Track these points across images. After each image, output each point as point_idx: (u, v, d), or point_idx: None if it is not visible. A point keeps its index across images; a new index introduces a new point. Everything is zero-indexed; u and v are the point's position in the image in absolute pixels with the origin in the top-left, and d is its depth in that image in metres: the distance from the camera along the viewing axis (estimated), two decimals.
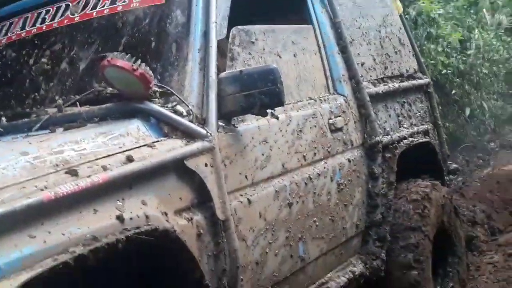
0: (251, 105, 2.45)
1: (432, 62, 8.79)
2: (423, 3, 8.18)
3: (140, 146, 2.13)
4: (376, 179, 3.44)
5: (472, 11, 10.80)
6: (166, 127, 2.29)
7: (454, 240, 4.00)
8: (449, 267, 3.95)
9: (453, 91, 9.90)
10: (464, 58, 9.96)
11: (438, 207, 3.73)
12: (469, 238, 5.67)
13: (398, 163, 3.58)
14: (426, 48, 8.68)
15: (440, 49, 9.03)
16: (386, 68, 3.86)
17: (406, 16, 7.54)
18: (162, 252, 2.07)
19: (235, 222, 2.41)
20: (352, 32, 3.61)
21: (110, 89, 2.38)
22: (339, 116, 3.25)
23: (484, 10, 10.97)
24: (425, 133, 4.04)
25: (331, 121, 3.16)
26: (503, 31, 12.10)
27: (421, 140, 3.92)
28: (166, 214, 2.07)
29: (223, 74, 2.51)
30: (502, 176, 8.04)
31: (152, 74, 2.27)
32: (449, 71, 9.46)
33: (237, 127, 2.56)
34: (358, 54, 3.59)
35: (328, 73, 3.32)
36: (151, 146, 2.15)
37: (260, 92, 2.43)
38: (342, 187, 3.18)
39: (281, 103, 2.51)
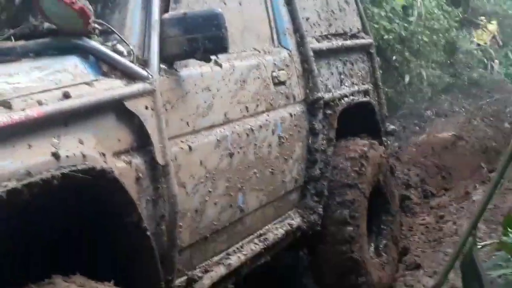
0: (194, 49, 2.40)
1: (375, 26, 8.84)
2: None
3: (78, 84, 2.04)
4: (316, 135, 3.46)
5: None
6: (105, 66, 2.20)
7: (388, 199, 4.10)
8: (383, 225, 4.05)
9: (394, 57, 10.01)
10: (406, 25, 10.07)
11: (375, 165, 3.80)
12: (403, 198, 5.86)
13: (339, 121, 3.61)
14: (370, 12, 8.70)
15: (383, 13, 9.10)
16: (330, 25, 3.86)
17: None
18: (100, 193, 2.02)
19: (175, 168, 2.36)
20: None
21: (47, 23, 2.25)
22: (283, 69, 3.24)
23: None
24: (366, 93, 4.08)
25: (274, 74, 3.14)
26: (444, 0, 12.33)
27: (361, 100, 3.97)
28: (104, 155, 2.01)
29: (166, 15, 2.44)
30: (436, 143, 8.38)
31: (92, 9, 2.16)
32: (391, 37, 9.54)
33: (179, 71, 2.50)
34: (304, 8, 3.57)
35: (273, 25, 3.29)
36: (89, 84, 2.07)
37: (204, 37, 2.38)
38: (283, 140, 3.18)
39: (225, 49, 2.46)
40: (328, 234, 3.55)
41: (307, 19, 3.58)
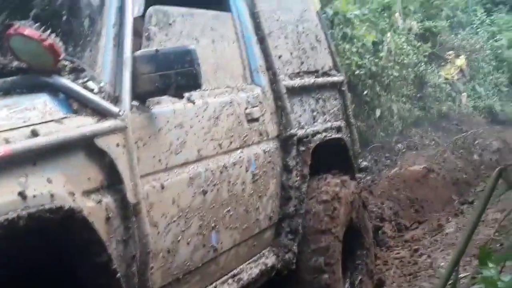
0: (167, 86, 2.38)
1: (347, 62, 8.96)
2: (340, 3, 8.35)
3: (47, 121, 2.00)
4: (290, 172, 3.44)
5: (385, 14, 11.12)
6: (75, 104, 2.17)
7: (362, 234, 4.09)
8: (358, 260, 4.03)
9: (365, 92, 10.11)
10: (376, 60, 10.21)
11: (347, 204, 3.78)
12: (377, 231, 5.89)
13: (312, 157, 3.60)
14: (341, 48, 8.81)
15: (354, 49, 9.22)
16: (302, 63, 3.88)
17: (324, 15, 7.63)
18: (68, 233, 1.97)
19: (147, 207, 2.32)
20: (270, 24, 3.60)
21: (17, 62, 2.21)
22: (256, 106, 3.24)
23: (397, 14, 11.31)
24: (338, 129, 4.09)
25: (247, 110, 3.14)
26: (413, 36, 12.58)
27: (334, 136, 3.96)
28: (73, 194, 1.96)
29: (138, 52, 2.42)
30: (408, 176, 8.40)
31: (62, 46, 2.13)
32: (362, 72, 9.66)
33: (152, 108, 2.47)
34: (276, 46, 3.58)
35: (246, 63, 3.29)
36: (58, 122, 2.03)
37: (177, 73, 2.37)
38: (257, 177, 3.15)
39: (198, 85, 2.44)
40: (303, 283, 3.50)
41: (280, 57, 3.59)
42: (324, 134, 3.82)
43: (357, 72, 9.56)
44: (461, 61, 15.21)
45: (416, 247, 5.83)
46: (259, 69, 3.35)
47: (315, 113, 3.87)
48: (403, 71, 11.43)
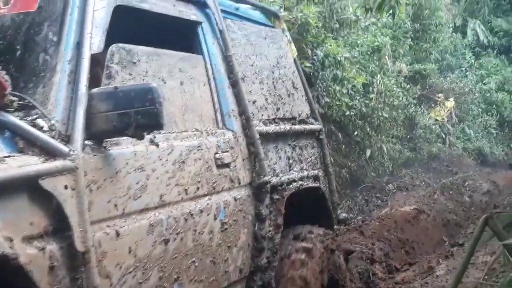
0: (126, 126, 2.19)
1: (337, 103, 8.92)
2: (331, 45, 8.24)
3: None
4: (263, 221, 3.23)
5: (375, 57, 11.13)
6: (21, 142, 1.99)
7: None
8: None
9: (355, 132, 10.05)
10: (366, 102, 10.19)
11: (323, 258, 3.56)
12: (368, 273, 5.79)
13: (288, 207, 3.40)
14: (332, 89, 8.76)
15: (344, 91, 9.19)
16: (278, 109, 3.73)
17: (314, 57, 7.60)
18: (5, 281, 1.78)
19: (99, 256, 2.11)
20: (244, 69, 3.48)
21: None
22: (227, 151, 3.06)
23: (386, 57, 11.31)
24: (315, 178, 3.90)
25: (217, 155, 2.96)
26: (403, 78, 12.57)
27: (310, 185, 3.77)
28: (11, 239, 1.76)
29: (95, 90, 2.25)
30: (399, 216, 8.24)
31: (9, 81, 1.96)
32: (352, 113, 9.62)
33: (109, 149, 2.28)
34: (250, 91, 3.45)
35: (217, 106, 3.14)
36: (0, 161, 1.84)
37: (137, 112, 2.19)
38: (226, 226, 2.94)
39: (159, 125, 2.26)
40: None
41: (254, 102, 3.45)
42: (300, 182, 3.63)
43: (347, 113, 9.52)
44: (450, 103, 15.20)
45: None
46: (231, 113, 3.19)
47: (291, 161, 3.69)
48: (393, 112, 11.42)
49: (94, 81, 2.36)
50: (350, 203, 9.57)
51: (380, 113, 10.68)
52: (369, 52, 11.08)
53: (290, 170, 3.62)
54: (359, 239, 7.27)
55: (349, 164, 10.07)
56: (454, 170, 13.53)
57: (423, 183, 11.72)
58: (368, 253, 6.65)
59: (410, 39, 13.56)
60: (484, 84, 18.81)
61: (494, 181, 13.18)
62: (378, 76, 10.92)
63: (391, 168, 11.34)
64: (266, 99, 3.61)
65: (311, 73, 7.72)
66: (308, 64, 7.28)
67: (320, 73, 8.06)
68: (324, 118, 9.49)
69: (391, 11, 9.17)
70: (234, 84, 3.26)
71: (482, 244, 4.00)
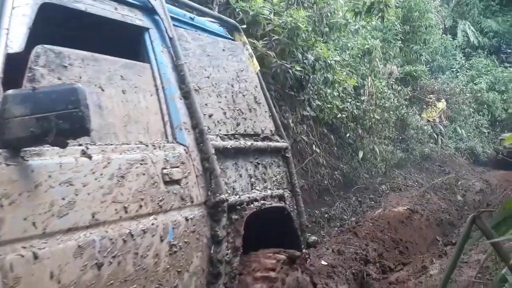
0: (45, 132, 1.81)
1: (329, 106, 8.73)
2: (321, 49, 8.07)
3: None
4: (220, 243, 2.82)
5: (366, 60, 11.01)
6: None
7: None
8: None
9: (348, 135, 9.94)
10: (358, 104, 10.08)
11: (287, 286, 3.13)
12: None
13: (248, 228, 3.01)
14: (323, 92, 8.60)
15: (336, 93, 9.08)
16: (238, 124, 3.36)
17: (305, 60, 7.36)
18: None
19: (11, 281, 1.74)
20: (199, 80, 3.12)
21: None
22: (177, 167, 2.67)
23: (377, 59, 11.17)
24: (281, 198, 3.52)
25: (165, 171, 2.57)
26: (394, 80, 12.37)
27: (274, 204, 3.38)
28: None
29: (10, 92, 1.85)
30: (392, 217, 8.11)
31: None
32: (344, 115, 9.49)
33: (27, 160, 1.87)
34: (206, 104, 3.09)
35: (166, 119, 2.75)
36: None
37: (58, 116, 1.82)
38: (175, 249, 2.54)
39: (85, 130, 1.87)
40: None
41: (210, 115, 3.09)
42: (262, 202, 3.24)
43: (339, 115, 9.38)
44: (441, 104, 15.02)
45: None
46: (182, 126, 2.81)
47: (253, 180, 3.30)
48: (384, 114, 11.29)
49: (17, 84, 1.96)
50: (344, 204, 9.34)
51: (371, 115, 10.56)
52: (359, 55, 10.93)
53: (252, 189, 3.25)
54: (353, 240, 7.09)
55: (342, 166, 9.87)
56: (447, 170, 13.52)
57: (416, 183, 11.63)
58: (362, 254, 6.51)
59: (400, 41, 13.41)
60: (475, 84, 18.63)
61: (487, 180, 13.19)
62: (369, 78, 10.76)
63: (384, 169, 11.18)
64: (225, 113, 3.24)
65: (302, 77, 7.61)
66: (299, 68, 7.13)
67: (311, 76, 7.91)
68: (316, 121, 9.31)
69: (380, 14, 8.98)
70: (186, 95, 2.88)
71: (472, 243, 3.66)
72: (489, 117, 18.39)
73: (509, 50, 22.18)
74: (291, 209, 3.61)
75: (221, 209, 2.83)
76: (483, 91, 18.48)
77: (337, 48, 10.13)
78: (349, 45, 10.75)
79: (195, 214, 2.71)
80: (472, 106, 17.43)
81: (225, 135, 3.17)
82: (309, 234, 3.93)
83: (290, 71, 6.83)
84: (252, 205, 3.10)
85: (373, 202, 9.87)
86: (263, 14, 6.73)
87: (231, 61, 3.52)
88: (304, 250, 3.66)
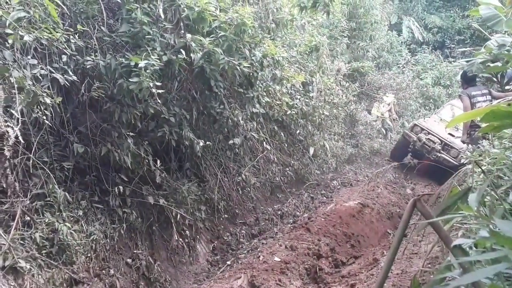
0: None
1: (278, 102, 8.75)
2: (268, 46, 8.18)
3: None
4: None
5: (313, 56, 11.16)
6: None
7: None
8: None
9: (298, 131, 10.04)
10: (307, 100, 10.17)
11: None
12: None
13: None
14: (272, 89, 8.67)
15: (284, 90, 9.12)
16: None
17: (253, 57, 7.45)
18: None
19: None
20: None
21: None
22: None
23: (324, 56, 11.36)
24: None
25: None
26: (342, 76, 12.60)
27: None
28: None
29: None
30: (344, 212, 8.32)
31: None
32: (294, 112, 9.58)
33: None
34: None
35: None
36: None
37: None
38: None
39: None
40: None
41: None
42: None
43: (288, 112, 9.49)
44: (389, 99, 15.34)
45: (353, 282, 5.72)
46: None
47: None
48: (333, 110, 11.47)
49: None
50: (296, 201, 9.48)
51: (321, 111, 10.73)
52: (307, 52, 11.09)
53: None
54: (306, 235, 7.29)
55: (293, 162, 10.02)
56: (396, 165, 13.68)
57: (366, 178, 11.76)
58: (314, 249, 6.68)
59: (347, 38, 13.65)
60: (421, 79, 19.15)
61: None
62: (318, 75, 10.92)
63: (335, 164, 11.36)
64: None
65: (250, 74, 7.65)
66: (246, 65, 7.14)
67: (259, 73, 7.98)
68: (266, 118, 9.43)
69: (325, 9, 9.15)
70: None
71: (418, 231, 3.86)
72: (435, 111, 18.90)
73: (452, 45, 22.97)
74: None
75: None
76: (429, 86, 19.02)
77: (284, 45, 10.24)
78: (296, 41, 10.88)
79: None
80: (418, 101, 17.91)
81: None
82: None
83: (238, 67, 6.89)
84: None
85: (325, 197, 10.02)
86: (208, 11, 6.77)
87: None
88: None
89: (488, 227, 1.53)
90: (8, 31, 4.68)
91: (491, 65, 4.51)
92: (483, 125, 1.92)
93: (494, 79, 7.59)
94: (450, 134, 11.75)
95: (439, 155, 11.52)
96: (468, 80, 8.42)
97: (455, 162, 10.74)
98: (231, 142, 8.02)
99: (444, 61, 21.65)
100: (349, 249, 7.23)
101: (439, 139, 11.79)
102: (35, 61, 5.02)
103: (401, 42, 21.24)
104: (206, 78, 6.92)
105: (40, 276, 4.67)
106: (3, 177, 4.61)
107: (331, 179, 10.97)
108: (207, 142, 7.21)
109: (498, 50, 4.31)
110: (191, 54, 6.55)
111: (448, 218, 1.88)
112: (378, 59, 17.60)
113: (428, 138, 11.95)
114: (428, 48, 22.47)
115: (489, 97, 8.11)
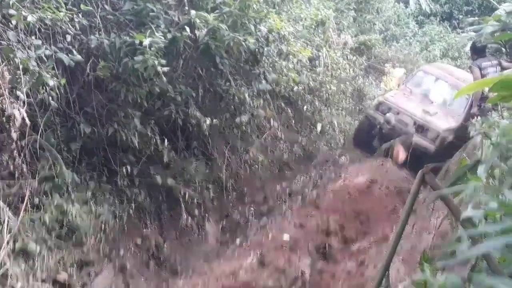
0: None
1: (284, 78, 8.74)
2: (273, 21, 8.09)
3: None
4: None
5: (320, 30, 11.05)
6: None
7: None
8: None
9: (305, 107, 9.97)
10: (314, 76, 10.08)
11: None
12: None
13: None
14: (278, 65, 8.63)
15: (291, 65, 9.05)
16: None
17: (258, 33, 7.42)
18: None
19: None
20: None
21: None
22: None
23: (331, 30, 11.25)
24: None
25: None
26: (348, 50, 12.50)
27: None
28: None
29: None
30: (353, 188, 8.39)
31: None
32: (301, 88, 9.52)
33: None
34: None
35: None
36: None
37: None
38: None
39: None
40: None
41: None
42: None
43: (295, 88, 9.43)
44: (398, 72, 15.23)
45: (362, 258, 5.72)
46: None
47: None
48: (341, 85, 11.36)
49: None
50: (305, 178, 9.50)
51: (328, 86, 10.66)
52: (313, 26, 11.00)
53: None
54: (314, 213, 7.32)
55: (301, 139, 10.01)
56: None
57: (375, 154, 11.73)
58: (323, 227, 6.80)
59: (353, 11, 13.53)
60: (429, 51, 18.97)
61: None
62: (324, 49, 10.85)
63: (343, 140, 11.31)
64: None
65: (256, 50, 7.62)
66: (252, 40, 7.10)
67: (265, 48, 7.94)
68: (273, 94, 9.42)
69: None
70: None
71: (428, 204, 3.89)
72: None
73: (460, 16, 22.77)
74: None
75: None
76: (437, 58, 18.91)
77: (290, 20, 10.17)
78: (302, 16, 10.79)
79: None
80: None
81: None
82: None
83: (243, 43, 6.87)
84: None
85: (333, 174, 10.06)
86: None
87: None
88: None
89: (497, 198, 1.56)
90: (12, 11, 4.70)
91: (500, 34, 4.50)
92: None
93: (503, 49, 7.55)
94: (425, 111, 9.75)
95: (413, 139, 9.43)
96: (477, 51, 8.37)
97: (432, 146, 9.34)
98: (238, 120, 8.04)
99: (452, 32, 21.47)
100: (358, 225, 7.28)
101: (412, 118, 9.69)
102: (39, 42, 5.05)
103: (408, 14, 21.06)
104: (211, 55, 6.91)
105: (50, 258, 4.76)
106: (11, 159, 4.68)
107: (340, 155, 10.97)
108: (214, 120, 7.23)
109: (506, 17, 4.31)
110: (196, 31, 6.55)
111: (458, 191, 1.90)
112: (386, 32, 17.47)
113: (399, 119, 9.75)
114: (436, 20, 22.27)
115: (499, 68, 8.07)
